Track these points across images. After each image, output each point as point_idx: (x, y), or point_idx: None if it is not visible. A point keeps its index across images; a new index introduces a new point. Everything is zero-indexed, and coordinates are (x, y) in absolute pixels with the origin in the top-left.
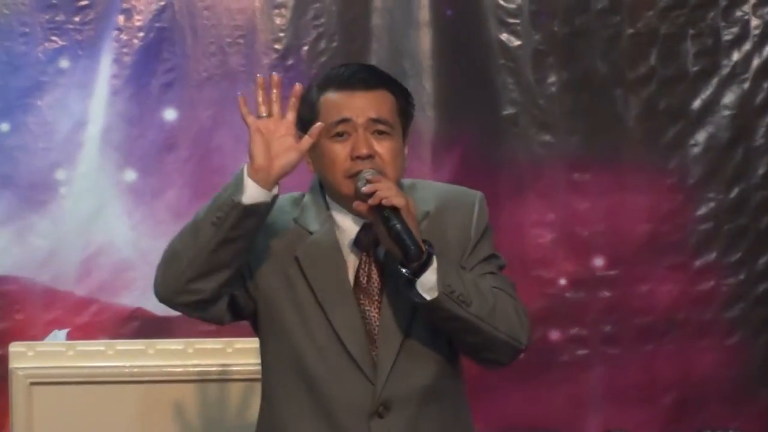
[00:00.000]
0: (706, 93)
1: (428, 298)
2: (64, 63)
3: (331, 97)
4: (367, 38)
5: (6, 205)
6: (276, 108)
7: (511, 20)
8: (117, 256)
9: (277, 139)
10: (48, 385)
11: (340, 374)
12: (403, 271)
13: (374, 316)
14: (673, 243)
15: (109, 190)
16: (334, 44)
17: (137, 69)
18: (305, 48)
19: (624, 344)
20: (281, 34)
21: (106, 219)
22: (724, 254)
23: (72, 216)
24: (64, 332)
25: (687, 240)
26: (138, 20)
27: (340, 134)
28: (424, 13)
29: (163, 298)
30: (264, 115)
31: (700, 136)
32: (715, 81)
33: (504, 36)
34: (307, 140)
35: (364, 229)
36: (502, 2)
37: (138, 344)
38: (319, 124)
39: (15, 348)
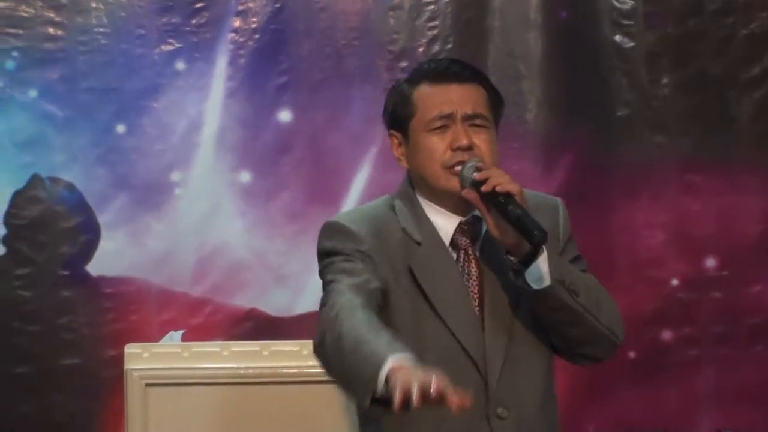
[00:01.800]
0: None
1: (539, 286)
2: (180, 65)
3: (426, 90)
4: (482, 40)
5: (122, 206)
6: None
7: (625, 21)
8: (231, 257)
9: None
10: (163, 386)
11: (458, 375)
12: (512, 259)
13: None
14: None
15: (224, 192)
16: (449, 46)
17: (252, 71)
18: (420, 50)
19: (736, 345)
20: (396, 36)
21: (220, 220)
22: None
23: (187, 217)
24: (179, 333)
25: None
26: (253, 22)
27: (438, 127)
28: (539, 15)
29: None
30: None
31: None
32: None
33: (618, 37)
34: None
35: (459, 229)
36: (616, 4)
37: (253, 345)
38: None
39: (130, 349)
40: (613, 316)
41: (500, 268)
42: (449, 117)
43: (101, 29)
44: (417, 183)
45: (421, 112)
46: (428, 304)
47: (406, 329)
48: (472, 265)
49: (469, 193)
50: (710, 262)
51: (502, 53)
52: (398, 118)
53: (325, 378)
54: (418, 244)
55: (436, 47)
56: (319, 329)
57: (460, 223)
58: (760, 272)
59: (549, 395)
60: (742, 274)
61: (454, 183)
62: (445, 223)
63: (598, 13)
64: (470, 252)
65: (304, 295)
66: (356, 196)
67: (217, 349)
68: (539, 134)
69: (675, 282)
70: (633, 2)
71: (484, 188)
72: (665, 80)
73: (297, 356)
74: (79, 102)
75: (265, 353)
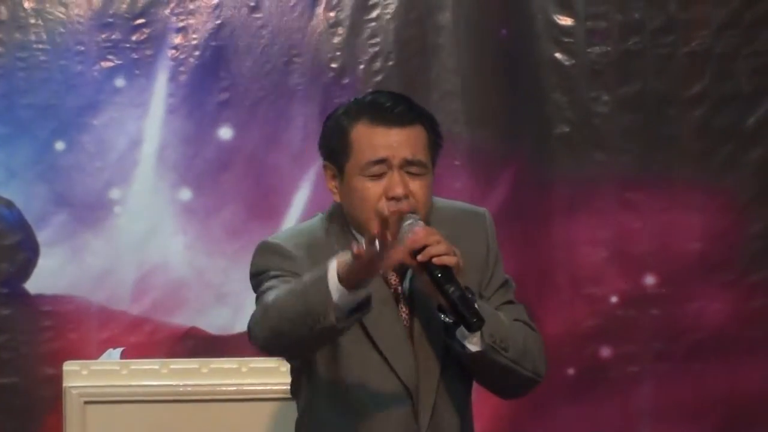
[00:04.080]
0: (760, 112)
1: (472, 348)
2: (119, 82)
3: (364, 131)
4: (423, 57)
5: (61, 224)
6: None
7: (566, 39)
8: (171, 275)
9: None
10: (102, 404)
11: (389, 408)
12: (444, 318)
13: None
14: (724, 261)
15: (164, 209)
16: (390, 63)
17: (193, 88)
18: (361, 67)
19: (674, 362)
20: (337, 53)
21: (160, 238)
22: None
23: (126, 235)
24: (118, 351)
25: (739, 258)
26: (194, 39)
27: (373, 172)
28: (479, 32)
29: (261, 348)
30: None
31: (754, 155)
32: None
33: (558, 54)
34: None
35: None
36: (556, 21)
37: (192, 363)
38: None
39: (69, 367)
40: (537, 356)
41: (429, 308)
42: (385, 162)
43: (40, 46)
44: (350, 220)
45: (357, 154)
46: (364, 331)
47: (345, 356)
48: (401, 303)
49: (407, 260)
50: (649, 280)
51: (443, 70)
52: (333, 152)
53: (266, 396)
54: None
55: (377, 64)
56: (250, 322)
57: None
58: (699, 290)
59: (469, 425)
60: (682, 291)
61: None
62: None
63: (539, 31)
64: (399, 291)
65: (245, 313)
66: (297, 214)
67: (156, 367)
68: (480, 151)
69: (614, 299)
70: (573, 20)
71: (420, 258)
72: (606, 98)
73: (236, 374)
74: (17, 119)
75: (205, 370)
